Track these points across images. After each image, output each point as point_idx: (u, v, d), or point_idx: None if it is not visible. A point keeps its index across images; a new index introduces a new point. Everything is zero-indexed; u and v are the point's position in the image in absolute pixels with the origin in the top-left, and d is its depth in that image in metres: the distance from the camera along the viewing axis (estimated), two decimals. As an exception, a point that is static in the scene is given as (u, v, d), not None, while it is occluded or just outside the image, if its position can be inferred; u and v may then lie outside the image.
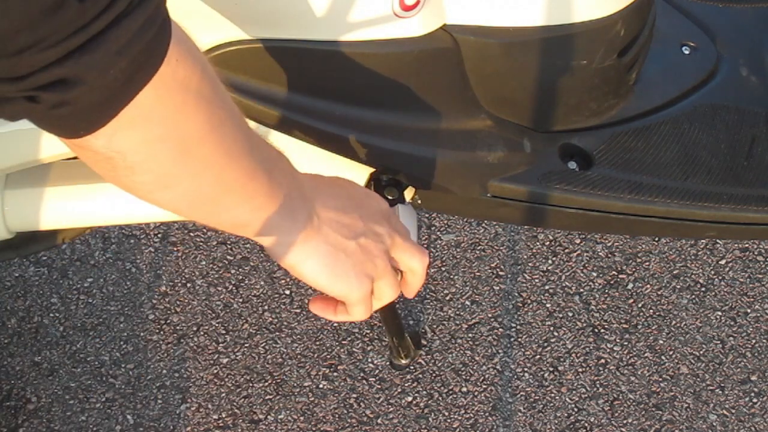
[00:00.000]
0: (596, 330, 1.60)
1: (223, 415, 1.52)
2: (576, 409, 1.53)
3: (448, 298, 1.63)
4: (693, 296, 1.64)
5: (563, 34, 1.01)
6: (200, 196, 0.63)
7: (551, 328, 1.60)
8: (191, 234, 1.69)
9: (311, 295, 1.30)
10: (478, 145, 1.03)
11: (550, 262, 1.67)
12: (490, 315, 1.61)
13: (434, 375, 1.55)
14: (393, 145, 1.01)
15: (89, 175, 1.09)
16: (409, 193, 1.08)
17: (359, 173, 1.05)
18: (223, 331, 1.60)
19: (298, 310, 1.62)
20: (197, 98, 0.57)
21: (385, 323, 1.46)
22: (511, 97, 1.04)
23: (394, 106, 1.00)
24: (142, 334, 1.59)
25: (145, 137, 0.55)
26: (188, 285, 1.64)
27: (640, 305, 1.63)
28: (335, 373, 1.56)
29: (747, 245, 1.69)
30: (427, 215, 1.71)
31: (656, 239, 1.70)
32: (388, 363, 1.55)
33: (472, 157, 1.03)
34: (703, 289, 1.65)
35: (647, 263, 1.67)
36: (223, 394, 1.53)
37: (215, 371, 1.56)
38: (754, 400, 1.54)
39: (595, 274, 1.66)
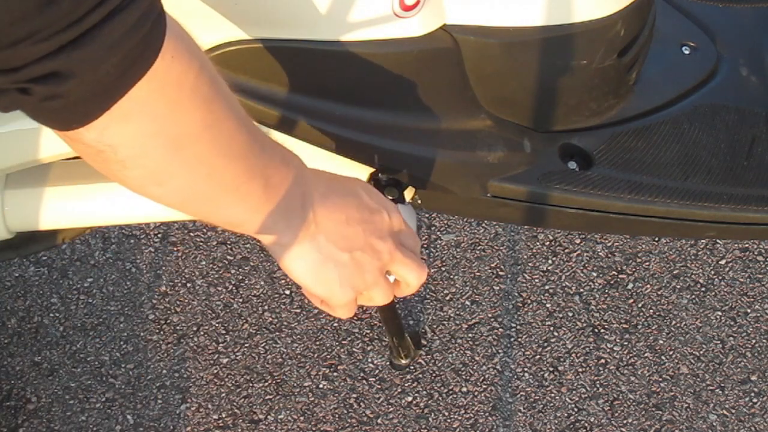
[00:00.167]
0: (596, 330, 1.60)
1: (223, 415, 1.52)
2: (576, 409, 1.53)
3: (448, 298, 1.63)
4: (693, 296, 1.64)
5: (563, 34, 1.01)
6: (193, 193, 0.62)
7: (551, 328, 1.60)
8: (191, 234, 1.69)
9: (311, 295, 1.30)
10: (478, 145, 1.03)
11: (550, 262, 1.67)
12: (490, 315, 1.61)
13: (434, 375, 1.55)
14: (393, 145, 1.01)
15: (89, 175, 1.09)
16: (409, 193, 1.08)
17: (359, 173, 1.05)
18: (223, 331, 1.60)
19: (298, 310, 1.62)
20: (192, 96, 0.57)
21: (385, 323, 1.46)
22: (511, 97, 1.04)
23: (394, 106, 1.00)
24: (142, 334, 1.59)
25: (137, 132, 0.55)
26: (188, 285, 1.64)
27: (640, 305, 1.63)
28: (335, 373, 1.56)
29: (747, 245, 1.69)
30: (427, 215, 1.71)
31: (656, 239, 1.70)
32: (388, 363, 1.55)
33: (472, 157, 1.03)
34: (703, 289, 1.65)
35: (647, 263, 1.67)
36: (223, 394, 1.53)
37: (215, 371, 1.56)
38: (754, 400, 1.54)
39: (595, 274, 1.66)
